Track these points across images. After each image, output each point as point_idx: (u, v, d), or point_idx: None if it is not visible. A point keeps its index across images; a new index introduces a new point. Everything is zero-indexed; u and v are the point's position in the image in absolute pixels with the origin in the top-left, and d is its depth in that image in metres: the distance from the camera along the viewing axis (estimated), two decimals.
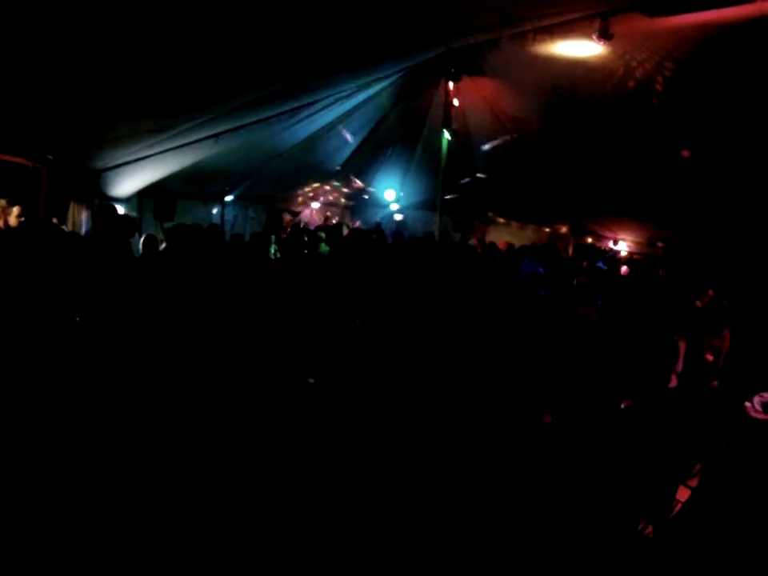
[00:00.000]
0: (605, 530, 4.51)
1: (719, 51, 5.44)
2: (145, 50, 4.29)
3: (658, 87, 6.45)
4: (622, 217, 11.41)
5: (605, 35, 5.87)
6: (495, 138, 11.17)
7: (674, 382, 6.43)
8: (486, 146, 11.73)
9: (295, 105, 8.18)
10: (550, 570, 3.77)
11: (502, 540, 3.87)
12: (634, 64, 6.33)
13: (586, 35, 6.08)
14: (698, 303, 7.42)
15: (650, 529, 4.78)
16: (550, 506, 4.32)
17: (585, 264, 10.51)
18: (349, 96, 9.10)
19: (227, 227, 10.84)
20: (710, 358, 6.90)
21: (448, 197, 10.49)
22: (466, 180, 12.63)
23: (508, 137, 10.83)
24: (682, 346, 6.52)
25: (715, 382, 6.56)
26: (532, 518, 4.18)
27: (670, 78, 6.21)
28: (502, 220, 15.67)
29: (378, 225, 14.79)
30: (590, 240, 12.98)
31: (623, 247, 12.13)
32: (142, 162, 6.87)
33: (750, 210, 7.76)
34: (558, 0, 5.65)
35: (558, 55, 6.99)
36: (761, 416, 5.49)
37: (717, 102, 6.18)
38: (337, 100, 9.03)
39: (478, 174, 12.95)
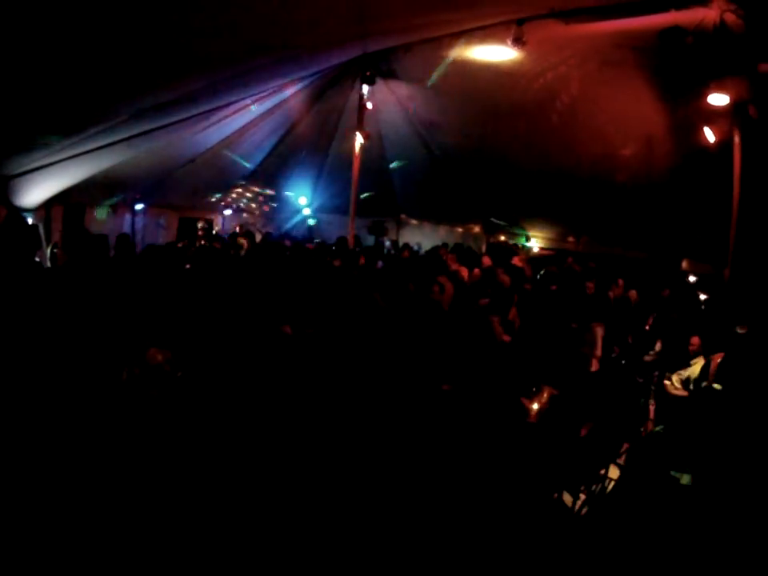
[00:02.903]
0: (541, 512, 4.65)
1: (633, 58, 5.84)
2: (48, 47, 4.04)
3: (570, 91, 6.82)
4: (533, 215, 11.96)
5: (519, 41, 6.13)
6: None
7: (594, 367, 6.78)
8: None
9: (208, 107, 7.94)
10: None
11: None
12: (547, 69, 6.65)
13: (501, 41, 6.32)
14: (611, 294, 7.90)
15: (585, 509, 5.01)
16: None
17: (488, 262, 10.71)
18: (263, 99, 8.95)
19: (138, 237, 10.36)
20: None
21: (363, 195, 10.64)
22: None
23: None
24: (600, 332, 6.87)
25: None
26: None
27: (582, 82, 6.58)
28: (414, 221, 15.93)
29: (286, 232, 14.69)
30: (502, 238, 13.44)
31: (535, 244, 12.66)
32: (50, 169, 6.41)
33: (657, 203, 8.33)
34: (475, 6, 5.82)
35: (473, 60, 7.21)
36: (679, 392, 5.94)
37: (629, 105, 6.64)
38: (251, 103, 8.86)
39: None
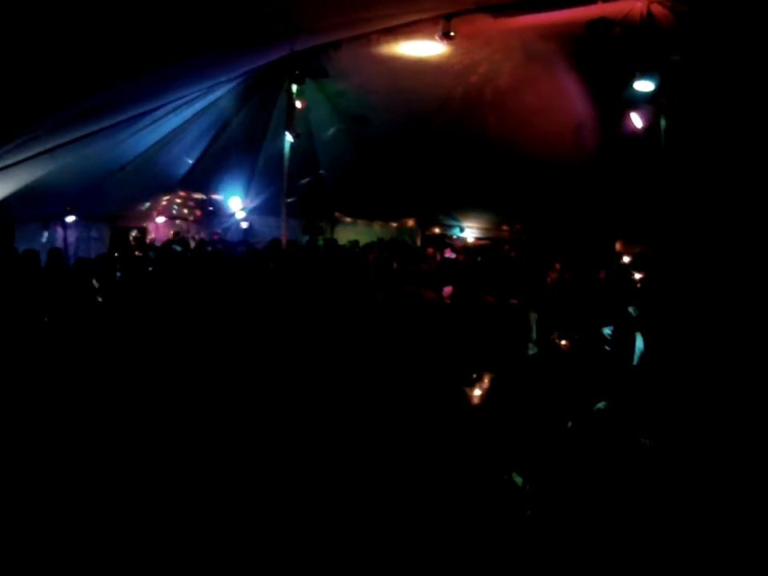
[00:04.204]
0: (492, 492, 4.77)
1: (561, 49, 6.08)
2: None
3: (499, 82, 7.02)
4: (466, 206, 12.22)
5: (447, 35, 6.26)
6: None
7: (531, 350, 7.03)
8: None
9: (134, 113, 7.69)
10: None
11: None
12: (477, 61, 6.83)
13: (430, 36, 6.44)
14: (548, 279, 8.16)
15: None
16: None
17: (431, 252, 10.91)
18: (191, 102, 8.75)
19: (71, 250, 9.93)
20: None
21: (289, 200, 10.60)
22: (307, 179, 12.71)
23: None
24: (534, 317, 7.12)
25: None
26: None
27: (511, 73, 6.79)
28: (348, 219, 15.93)
29: (216, 235, 14.43)
30: (437, 230, 13.65)
31: (470, 234, 12.94)
32: None
33: (587, 187, 8.68)
34: (402, 2, 5.90)
35: (402, 55, 7.31)
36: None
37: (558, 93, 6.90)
38: (178, 107, 8.64)
39: (320, 172, 13.14)
